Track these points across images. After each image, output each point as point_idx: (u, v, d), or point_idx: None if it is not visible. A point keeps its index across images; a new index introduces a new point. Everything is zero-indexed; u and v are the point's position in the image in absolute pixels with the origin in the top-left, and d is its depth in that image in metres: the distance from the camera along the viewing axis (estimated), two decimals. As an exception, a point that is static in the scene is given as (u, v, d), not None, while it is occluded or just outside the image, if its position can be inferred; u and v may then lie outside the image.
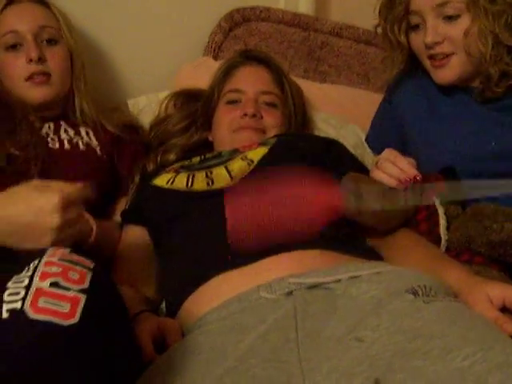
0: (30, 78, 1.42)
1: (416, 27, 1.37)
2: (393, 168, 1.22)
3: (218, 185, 1.25)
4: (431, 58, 1.37)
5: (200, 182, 1.26)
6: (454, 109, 1.41)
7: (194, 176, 1.29)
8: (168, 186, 1.29)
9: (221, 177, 1.27)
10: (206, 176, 1.28)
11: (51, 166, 1.37)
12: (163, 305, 1.20)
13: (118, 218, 1.42)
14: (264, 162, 1.29)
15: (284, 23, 1.86)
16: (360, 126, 1.66)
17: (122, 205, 1.47)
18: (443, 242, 1.21)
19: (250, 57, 1.57)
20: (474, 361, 0.76)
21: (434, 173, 1.29)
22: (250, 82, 1.50)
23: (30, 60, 1.42)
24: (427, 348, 0.80)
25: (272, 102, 1.49)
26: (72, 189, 0.95)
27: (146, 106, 1.71)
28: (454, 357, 0.77)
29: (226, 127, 1.46)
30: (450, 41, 1.32)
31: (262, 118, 1.45)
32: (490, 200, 1.24)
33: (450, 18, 1.31)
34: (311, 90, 1.72)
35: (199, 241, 1.16)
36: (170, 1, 1.83)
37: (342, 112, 1.69)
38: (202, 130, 1.56)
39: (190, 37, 1.86)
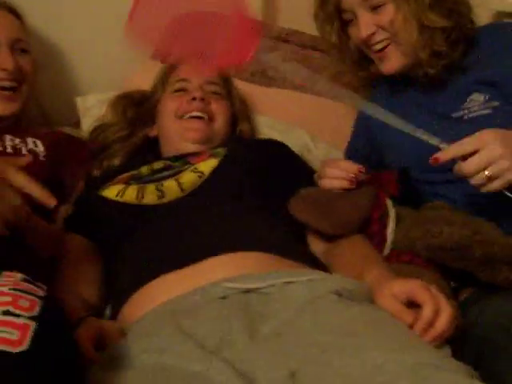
0: None
1: (350, 22, 1.38)
2: (335, 170, 1.26)
3: (168, 198, 1.25)
4: (373, 50, 1.37)
5: (150, 195, 1.26)
6: (406, 107, 1.43)
7: (144, 188, 1.29)
8: (117, 198, 1.28)
9: (171, 190, 1.27)
10: (157, 189, 1.28)
11: None
12: (107, 311, 1.20)
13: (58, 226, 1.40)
14: (214, 175, 1.30)
15: (232, 27, 1.86)
16: (306, 131, 1.67)
17: (63, 213, 1.43)
18: (388, 243, 1.24)
19: None
20: (385, 360, 0.79)
21: (386, 172, 1.32)
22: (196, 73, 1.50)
23: (4, 69, 1.41)
24: (342, 344, 0.84)
25: (218, 91, 1.51)
26: None
27: (95, 105, 1.70)
28: (367, 356, 0.81)
29: (173, 115, 1.46)
30: (383, 30, 1.33)
31: (209, 103, 1.46)
32: (448, 201, 1.28)
33: (376, 8, 1.32)
34: (257, 93, 1.73)
35: (144, 248, 1.17)
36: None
37: (287, 117, 1.70)
38: (144, 126, 1.55)
39: None
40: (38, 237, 1.21)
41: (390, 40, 1.34)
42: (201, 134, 1.43)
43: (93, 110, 1.70)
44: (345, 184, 1.27)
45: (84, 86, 1.85)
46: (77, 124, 1.75)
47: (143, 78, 1.68)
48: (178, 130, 1.44)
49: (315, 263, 1.17)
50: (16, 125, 1.52)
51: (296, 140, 1.62)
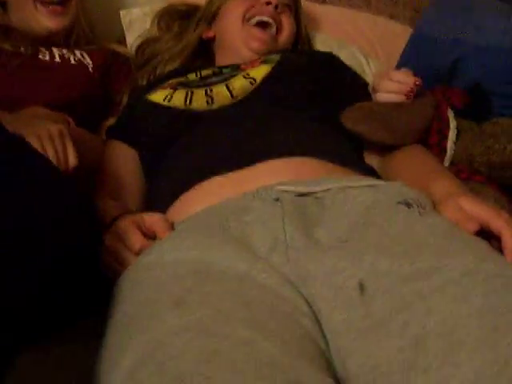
0: (42, 2, 1.39)
1: None
2: (391, 84, 1.19)
3: (218, 103, 1.19)
4: None
5: (199, 100, 1.20)
6: None
7: (192, 93, 1.22)
8: (165, 103, 1.22)
9: (221, 95, 1.21)
10: (206, 94, 1.22)
11: (38, 74, 1.35)
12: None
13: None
14: (267, 81, 1.23)
15: None
16: (359, 50, 1.61)
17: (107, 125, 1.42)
18: (448, 156, 1.17)
19: None
20: (468, 270, 0.71)
21: (456, 88, 1.25)
22: None
23: None
24: (416, 253, 0.76)
25: (291, 5, 1.44)
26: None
27: (139, 18, 1.65)
28: (445, 265, 0.72)
29: (241, 17, 1.37)
30: None
31: (281, 12, 1.39)
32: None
33: None
34: (310, 10, 1.66)
35: (190, 155, 1.10)
36: None
37: (341, 34, 1.64)
38: (201, 27, 1.48)
39: None
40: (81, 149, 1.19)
41: None
42: (265, 45, 1.35)
43: (137, 23, 1.65)
44: (402, 98, 1.20)
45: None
46: (121, 39, 1.70)
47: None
48: (242, 35, 1.36)
49: (375, 175, 1.10)
50: (66, 40, 1.50)
51: (350, 58, 1.55)
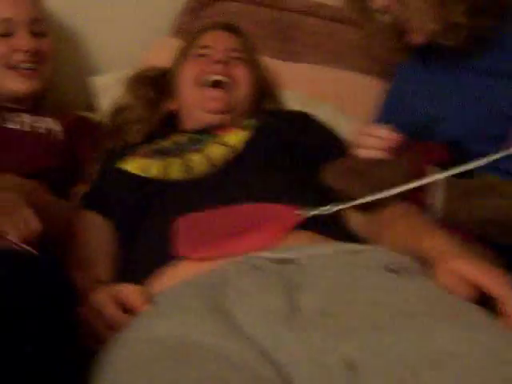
0: (14, 67, 1.40)
1: None
2: (371, 139, 1.17)
3: (197, 172, 1.16)
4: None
5: (177, 170, 1.17)
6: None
7: (169, 163, 1.19)
8: (140, 173, 1.19)
9: (200, 164, 1.18)
10: (184, 163, 1.19)
11: (7, 144, 1.33)
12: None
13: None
14: (248, 149, 1.21)
15: (254, 3, 1.79)
16: (333, 105, 1.58)
17: (79, 194, 1.37)
18: (429, 212, 1.12)
19: (219, 24, 1.51)
20: (457, 341, 0.67)
21: (437, 143, 1.21)
22: (220, 40, 1.42)
23: (26, 51, 1.39)
24: (407, 324, 0.71)
25: (241, 57, 1.41)
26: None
27: (111, 84, 1.62)
28: (438, 336, 0.68)
29: (193, 82, 1.36)
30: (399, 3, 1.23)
31: (233, 67, 1.37)
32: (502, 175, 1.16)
33: None
34: (282, 68, 1.64)
35: (168, 227, 1.04)
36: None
37: (316, 91, 1.62)
38: (165, 102, 1.46)
39: (157, 16, 1.80)
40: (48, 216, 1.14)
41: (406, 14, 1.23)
42: (222, 103, 1.33)
43: (110, 89, 1.62)
44: (382, 154, 1.17)
45: (100, 66, 1.79)
46: (91, 106, 1.69)
47: (159, 55, 1.60)
48: (197, 99, 1.35)
49: (358, 239, 1.06)
50: (35, 107, 1.50)
51: (322, 114, 1.49)
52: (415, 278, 0.82)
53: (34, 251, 0.85)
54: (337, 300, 0.79)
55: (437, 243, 0.90)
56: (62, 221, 1.21)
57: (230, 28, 1.48)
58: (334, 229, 1.05)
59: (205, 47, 1.41)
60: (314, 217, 1.02)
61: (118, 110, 1.50)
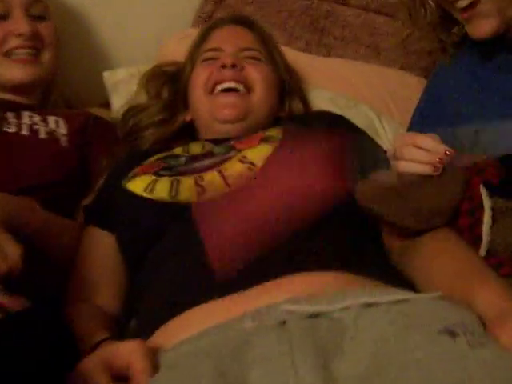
0: (10, 53, 1.30)
1: None
2: (417, 152, 0.98)
3: (210, 194, 1.02)
4: (459, 7, 1.13)
5: (188, 191, 1.03)
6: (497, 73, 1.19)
7: (179, 182, 1.05)
8: (146, 194, 1.05)
9: (214, 184, 1.04)
10: (196, 183, 1.05)
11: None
12: (133, 323, 1.01)
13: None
14: (268, 167, 1.06)
15: (283, -11, 1.66)
16: (372, 107, 1.44)
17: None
18: (484, 244, 0.97)
19: (229, 18, 1.37)
20: None
21: (487, 159, 1.05)
22: (230, 40, 1.28)
23: (20, 34, 1.29)
24: None
25: (255, 56, 1.27)
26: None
27: (125, 79, 1.51)
28: None
29: (202, 89, 1.23)
30: None
31: (243, 69, 1.22)
32: None
33: None
34: (314, 64, 1.52)
35: (180, 261, 0.94)
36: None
37: (350, 90, 1.48)
38: (182, 108, 1.32)
39: (179, 5, 1.71)
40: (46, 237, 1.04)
41: None
42: (236, 110, 1.18)
43: (122, 85, 1.51)
44: (428, 170, 0.99)
45: (115, 61, 1.69)
46: (106, 104, 1.57)
47: (180, 47, 1.45)
48: (208, 108, 1.21)
49: (399, 279, 0.92)
50: (39, 103, 1.39)
51: (360, 117, 1.39)
52: (479, 340, 0.69)
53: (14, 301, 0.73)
54: (378, 369, 0.67)
55: (493, 297, 0.79)
56: (66, 240, 1.10)
57: (243, 22, 1.34)
58: (374, 264, 0.92)
59: (212, 50, 1.28)
60: (348, 251, 0.90)
61: (131, 111, 1.37)
